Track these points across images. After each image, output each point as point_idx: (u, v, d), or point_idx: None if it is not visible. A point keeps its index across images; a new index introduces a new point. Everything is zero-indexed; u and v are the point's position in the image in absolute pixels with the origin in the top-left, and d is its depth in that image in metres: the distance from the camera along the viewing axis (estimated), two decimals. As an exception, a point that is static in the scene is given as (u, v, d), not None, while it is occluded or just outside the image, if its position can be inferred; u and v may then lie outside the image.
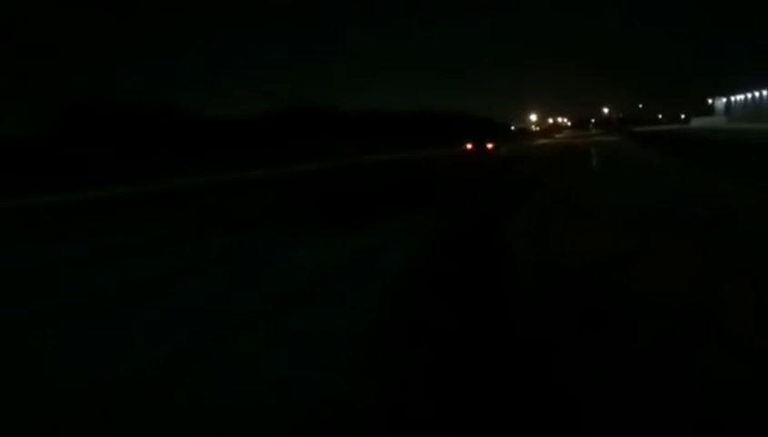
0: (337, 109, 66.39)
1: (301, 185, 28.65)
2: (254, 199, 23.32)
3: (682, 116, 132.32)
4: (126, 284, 9.32)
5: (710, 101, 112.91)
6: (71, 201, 26.82)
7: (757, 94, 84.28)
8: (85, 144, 37.19)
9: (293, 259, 10.44)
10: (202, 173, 36.39)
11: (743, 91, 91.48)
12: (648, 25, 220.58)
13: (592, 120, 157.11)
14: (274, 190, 26.60)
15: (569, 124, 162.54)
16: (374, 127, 64.58)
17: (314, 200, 20.85)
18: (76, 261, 11.86)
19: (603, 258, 8.56)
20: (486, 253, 9.64)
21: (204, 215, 18.94)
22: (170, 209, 21.71)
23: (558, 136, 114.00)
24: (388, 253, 10.39)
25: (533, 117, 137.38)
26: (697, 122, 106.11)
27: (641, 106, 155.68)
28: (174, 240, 13.82)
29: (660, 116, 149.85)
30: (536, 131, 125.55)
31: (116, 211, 22.34)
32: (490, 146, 48.22)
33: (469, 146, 48.20)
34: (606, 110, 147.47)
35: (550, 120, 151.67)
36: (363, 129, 61.26)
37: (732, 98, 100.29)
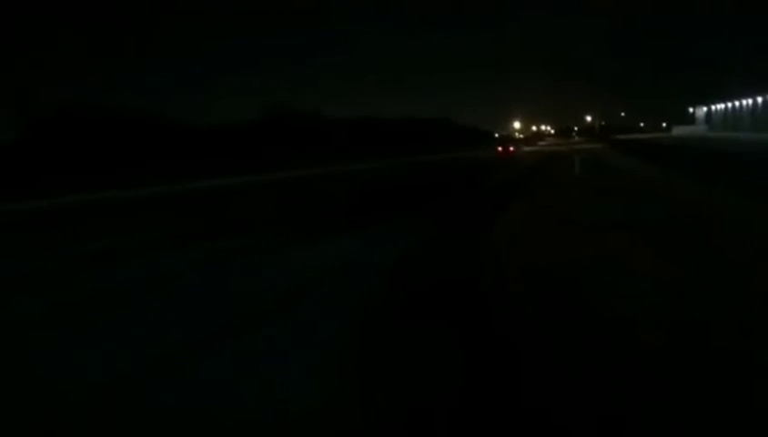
0: (321, 115, 66.55)
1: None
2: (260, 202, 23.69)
3: (664, 125, 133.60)
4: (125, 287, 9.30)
5: (691, 110, 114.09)
6: (61, 205, 26.77)
7: (737, 103, 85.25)
8: (70, 149, 36.91)
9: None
10: (209, 176, 36.78)
11: (724, 100, 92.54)
12: (631, 32, 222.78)
13: (575, 128, 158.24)
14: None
15: (552, 131, 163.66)
16: (355, 134, 64.71)
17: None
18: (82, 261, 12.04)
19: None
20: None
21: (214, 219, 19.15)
22: (173, 213, 21.87)
23: (541, 143, 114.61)
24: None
25: (517, 125, 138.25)
26: (678, 131, 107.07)
27: (623, 114, 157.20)
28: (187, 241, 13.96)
29: (641, 124, 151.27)
30: (519, 139, 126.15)
31: (108, 215, 22.39)
32: (512, 148, 69.78)
33: (499, 148, 69.36)
34: (589, 118, 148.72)
35: (534, 128, 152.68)
36: (345, 136, 61.44)
37: (713, 107, 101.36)
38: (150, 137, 42.18)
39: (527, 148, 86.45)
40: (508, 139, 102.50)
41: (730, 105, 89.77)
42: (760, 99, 74.64)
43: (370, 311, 7.19)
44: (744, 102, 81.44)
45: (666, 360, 5.01)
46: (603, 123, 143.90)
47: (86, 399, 5.10)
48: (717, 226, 11.20)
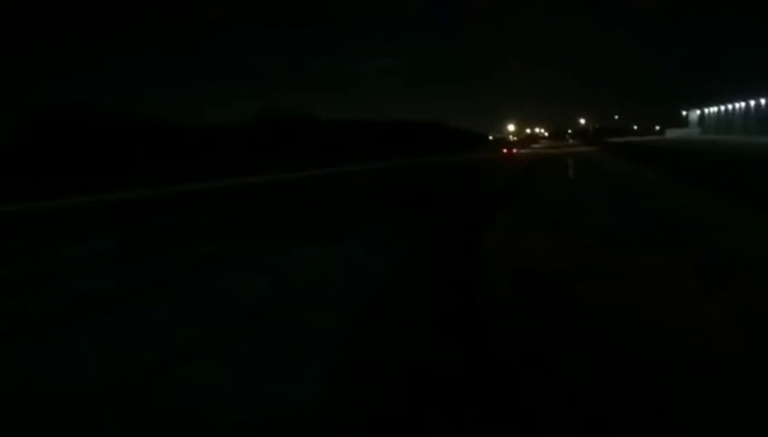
0: (315, 117, 66.62)
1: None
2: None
3: (657, 128, 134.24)
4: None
5: (684, 113, 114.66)
6: (49, 208, 26.68)
7: (730, 106, 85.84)
8: (63, 151, 36.81)
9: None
10: (213, 178, 36.94)
11: (717, 103, 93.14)
12: (625, 36, 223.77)
13: (569, 131, 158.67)
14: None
15: (546, 134, 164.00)
16: (349, 136, 64.81)
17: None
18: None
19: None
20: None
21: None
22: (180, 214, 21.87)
23: (535, 146, 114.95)
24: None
25: (511, 128, 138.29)
26: (671, 133, 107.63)
27: (616, 117, 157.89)
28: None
29: (635, 127, 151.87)
30: (514, 141, 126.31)
31: (96, 219, 22.33)
32: (514, 150, 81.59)
33: (504, 150, 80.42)
34: (582, 121, 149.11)
35: (528, 130, 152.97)
36: (339, 138, 61.62)
37: (706, 110, 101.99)
38: (146, 138, 42.19)
39: (521, 151, 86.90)
40: (507, 142, 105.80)
41: (722, 108, 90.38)
42: (752, 102, 75.20)
43: (370, 300, 7.83)
44: (737, 105, 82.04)
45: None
46: (597, 126, 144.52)
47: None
48: (715, 233, 11.15)
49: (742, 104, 79.23)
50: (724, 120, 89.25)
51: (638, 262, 8.84)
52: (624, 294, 7.11)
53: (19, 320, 8.09)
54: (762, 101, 71.02)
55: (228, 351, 6.20)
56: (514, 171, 36.50)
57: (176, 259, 11.81)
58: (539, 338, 5.85)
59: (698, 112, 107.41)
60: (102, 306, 8.40)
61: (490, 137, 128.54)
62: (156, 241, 14.81)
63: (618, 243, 10.39)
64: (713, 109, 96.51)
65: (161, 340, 6.68)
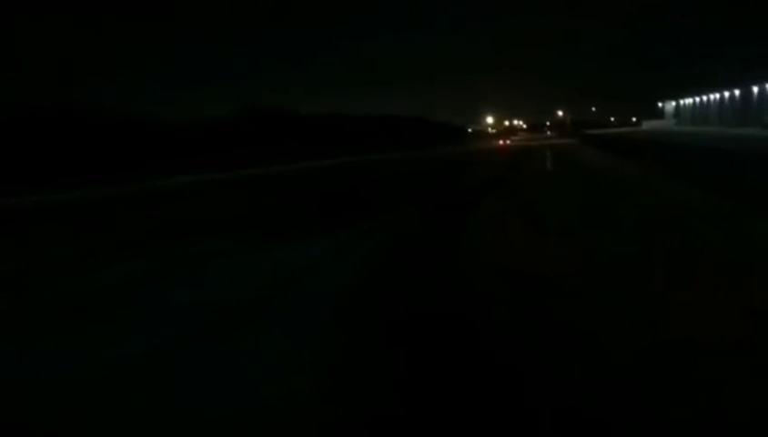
0: (297, 113, 66.70)
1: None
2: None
3: (634, 119, 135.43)
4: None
5: (660, 104, 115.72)
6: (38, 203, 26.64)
7: (705, 98, 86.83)
8: (61, 150, 36.55)
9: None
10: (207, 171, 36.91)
11: (692, 95, 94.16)
12: (602, 27, 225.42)
13: (547, 123, 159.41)
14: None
15: (524, 126, 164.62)
16: (334, 131, 64.92)
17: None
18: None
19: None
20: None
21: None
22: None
23: (514, 138, 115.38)
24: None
25: (489, 120, 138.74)
26: (647, 125, 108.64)
27: (593, 109, 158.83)
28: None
29: (612, 118, 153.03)
30: (492, 134, 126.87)
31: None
32: (508, 142, 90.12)
33: (500, 142, 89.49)
34: (560, 113, 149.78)
35: (506, 123, 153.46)
36: (324, 133, 61.77)
37: (681, 102, 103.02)
38: (142, 136, 42.22)
39: (500, 143, 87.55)
40: (488, 134, 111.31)
41: (698, 99, 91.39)
42: (727, 94, 76.17)
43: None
44: (712, 97, 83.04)
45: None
46: (574, 118, 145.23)
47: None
48: (692, 224, 11.48)
49: (717, 95, 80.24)
50: (700, 112, 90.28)
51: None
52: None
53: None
54: (737, 93, 71.98)
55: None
56: (496, 165, 36.93)
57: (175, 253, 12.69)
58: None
59: (673, 104, 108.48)
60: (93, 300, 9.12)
61: (469, 130, 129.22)
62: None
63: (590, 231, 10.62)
64: (689, 101, 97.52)
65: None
